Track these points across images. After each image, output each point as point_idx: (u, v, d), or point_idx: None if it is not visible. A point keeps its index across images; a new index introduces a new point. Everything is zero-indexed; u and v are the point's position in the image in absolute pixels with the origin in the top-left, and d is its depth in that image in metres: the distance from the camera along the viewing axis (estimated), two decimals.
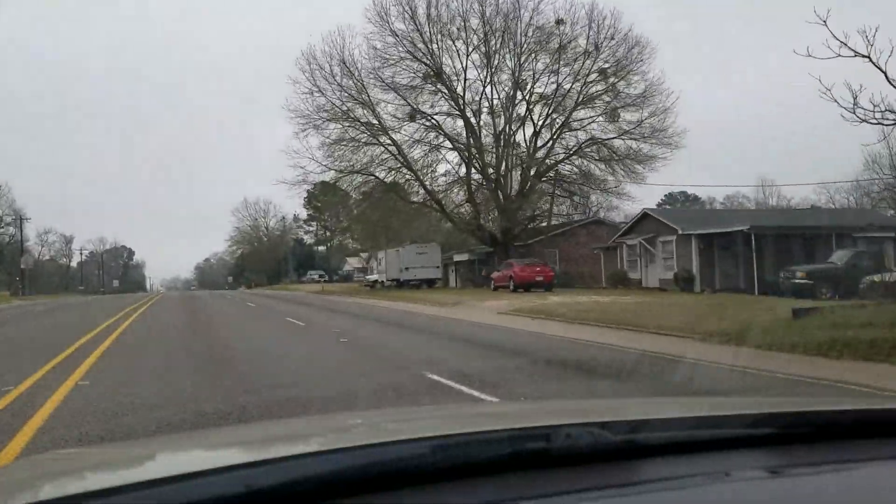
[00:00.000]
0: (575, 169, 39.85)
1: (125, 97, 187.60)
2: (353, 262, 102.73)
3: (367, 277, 54.26)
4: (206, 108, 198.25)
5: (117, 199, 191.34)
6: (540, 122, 40.04)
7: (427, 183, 40.68)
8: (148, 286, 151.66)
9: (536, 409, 2.69)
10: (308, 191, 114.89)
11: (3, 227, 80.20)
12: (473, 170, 41.20)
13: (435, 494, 1.17)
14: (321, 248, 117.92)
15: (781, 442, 1.49)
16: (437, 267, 44.25)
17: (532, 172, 38.27)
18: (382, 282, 50.09)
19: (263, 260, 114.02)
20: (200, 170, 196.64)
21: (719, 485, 1.26)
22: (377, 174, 42.11)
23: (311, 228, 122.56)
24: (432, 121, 39.57)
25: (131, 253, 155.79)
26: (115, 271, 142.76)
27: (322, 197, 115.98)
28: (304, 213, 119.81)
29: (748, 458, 1.40)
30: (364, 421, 2.24)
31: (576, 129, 40.27)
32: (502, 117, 40.73)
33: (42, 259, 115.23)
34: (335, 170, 41.79)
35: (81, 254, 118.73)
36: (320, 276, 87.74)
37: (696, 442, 1.44)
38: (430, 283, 44.15)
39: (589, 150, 38.53)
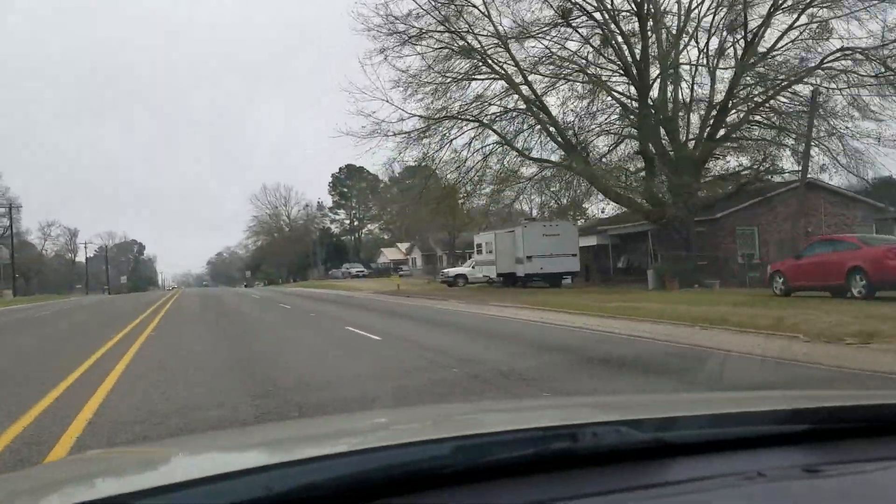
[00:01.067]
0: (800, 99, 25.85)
1: (131, 83, 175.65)
2: (389, 254, 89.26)
3: (445, 272, 40.29)
4: (220, 90, 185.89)
5: (128, 192, 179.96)
6: (723, 34, 26.36)
7: (570, 132, 27.08)
8: (160, 282, 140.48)
9: (562, 406, 2.41)
10: (333, 175, 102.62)
11: None
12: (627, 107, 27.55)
13: (458, 496, 1.14)
14: (344, 237, 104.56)
15: (818, 439, 1.40)
16: (574, 255, 30.53)
17: (751, 94, 24.41)
18: (467, 277, 36.60)
19: (285, 252, 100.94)
20: (215, 160, 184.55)
21: (753, 485, 1.18)
22: (484, 121, 28.66)
23: (337, 217, 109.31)
24: (592, 20, 25.83)
25: (142, 247, 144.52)
26: (125, 266, 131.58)
27: (348, 182, 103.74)
28: (328, 201, 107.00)
29: (783, 456, 1.33)
30: (387, 420, 2.13)
31: (770, 53, 26.54)
32: (664, 32, 27.05)
33: (47, 254, 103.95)
34: (421, 115, 28.33)
35: (87, 248, 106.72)
36: (358, 271, 73.64)
37: (727, 440, 1.36)
38: (554, 279, 30.64)
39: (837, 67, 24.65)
